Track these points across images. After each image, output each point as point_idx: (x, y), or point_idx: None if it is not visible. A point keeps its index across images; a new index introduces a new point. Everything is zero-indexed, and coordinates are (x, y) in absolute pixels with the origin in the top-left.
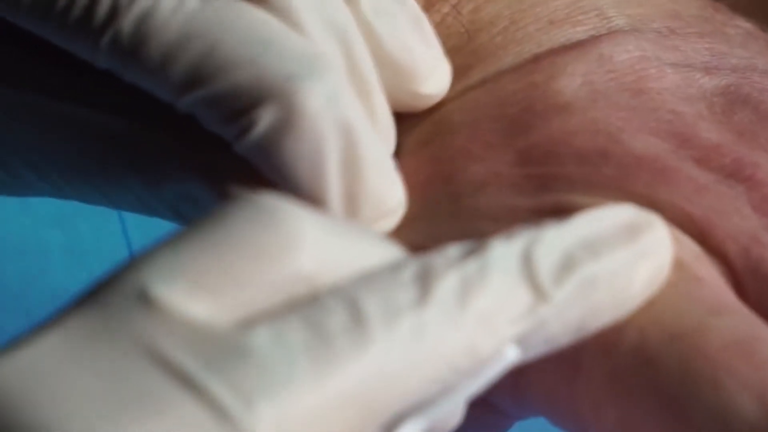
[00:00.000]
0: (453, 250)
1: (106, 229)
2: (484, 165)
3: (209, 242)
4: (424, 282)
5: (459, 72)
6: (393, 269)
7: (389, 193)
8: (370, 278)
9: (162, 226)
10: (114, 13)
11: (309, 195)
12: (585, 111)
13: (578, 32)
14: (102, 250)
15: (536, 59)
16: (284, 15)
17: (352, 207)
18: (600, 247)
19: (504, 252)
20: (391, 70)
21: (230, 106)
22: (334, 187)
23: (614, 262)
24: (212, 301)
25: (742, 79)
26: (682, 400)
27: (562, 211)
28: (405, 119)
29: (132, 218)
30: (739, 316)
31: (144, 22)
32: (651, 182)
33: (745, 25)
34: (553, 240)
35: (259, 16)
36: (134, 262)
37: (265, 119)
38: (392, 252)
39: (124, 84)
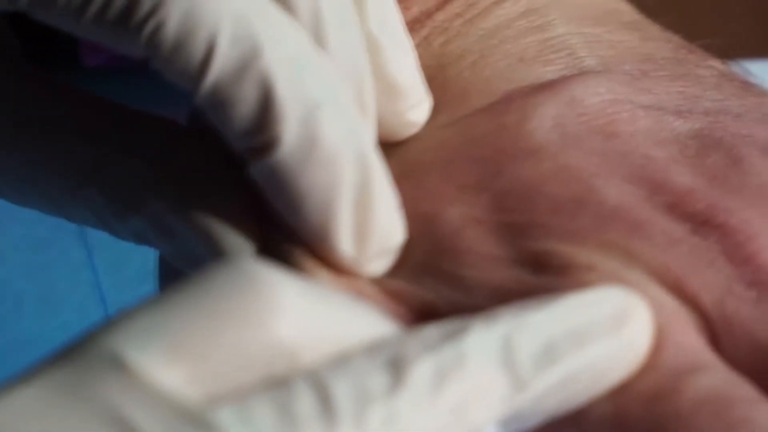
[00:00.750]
0: (430, 332)
1: (78, 279)
2: (460, 208)
3: (187, 308)
4: (398, 368)
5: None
6: (368, 352)
7: (394, 231)
8: (343, 361)
9: (134, 278)
10: (159, 3)
11: (318, 226)
12: (557, 155)
13: (549, 71)
14: (74, 300)
15: (507, 99)
16: (313, 29)
17: (360, 242)
18: (584, 337)
19: (483, 337)
20: (387, 89)
21: (256, 116)
22: (344, 220)
23: (598, 355)
24: (187, 369)
25: (715, 123)
26: None
27: (541, 262)
28: None
29: (105, 269)
30: (713, 374)
31: (191, 14)
32: (626, 234)
33: (719, 66)
34: (536, 326)
35: (294, 29)
36: (110, 325)
37: (286, 142)
38: (379, 325)
39: (104, 105)
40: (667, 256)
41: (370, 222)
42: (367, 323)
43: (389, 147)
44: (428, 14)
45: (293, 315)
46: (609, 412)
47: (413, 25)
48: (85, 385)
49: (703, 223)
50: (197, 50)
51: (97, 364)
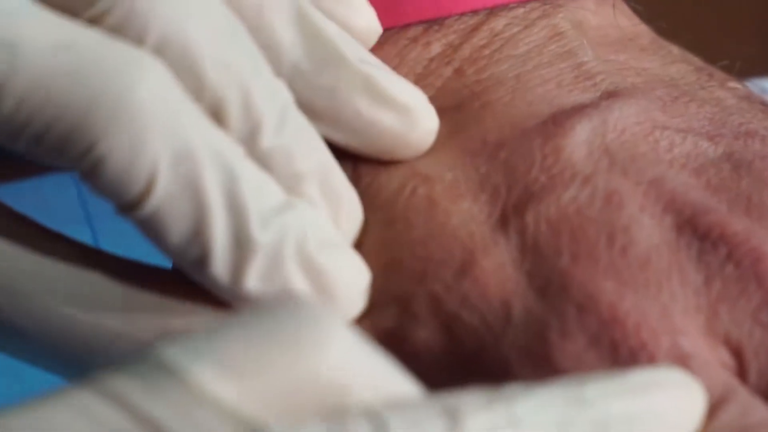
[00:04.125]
0: (481, 392)
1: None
2: (494, 254)
3: (242, 331)
4: (455, 417)
5: (457, 130)
6: (422, 399)
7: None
8: (399, 403)
9: None
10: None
11: None
12: (596, 182)
13: (586, 97)
14: None
15: (544, 124)
16: (247, 137)
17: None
18: (639, 420)
19: (539, 404)
20: (395, 108)
21: (191, 232)
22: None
23: None
24: (238, 386)
25: (745, 147)
26: None
27: (576, 300)
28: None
29: None
30: (732, 406)
31: (132, 150)
32: (662, 274)
33: (739, 88)
34: (593, 402)
35: (229, 144)
36: (165, 342)
37: (218, 254)
38: (409, 385)
39: None
40: (699, 296)
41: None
42: (405, 382)
43: (421, 173)
44: (454, 48)
45: (344, 352)
46: None
47: (441, 59)
48: (139, 392)
49: (737, 246)
50: (137, 183)
51: (151, 372)
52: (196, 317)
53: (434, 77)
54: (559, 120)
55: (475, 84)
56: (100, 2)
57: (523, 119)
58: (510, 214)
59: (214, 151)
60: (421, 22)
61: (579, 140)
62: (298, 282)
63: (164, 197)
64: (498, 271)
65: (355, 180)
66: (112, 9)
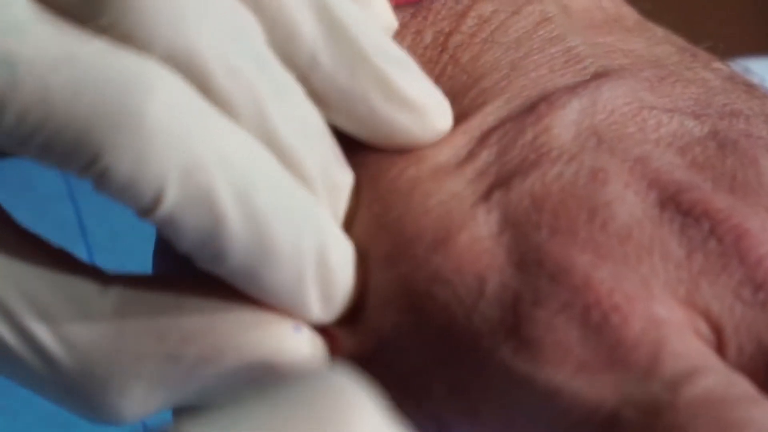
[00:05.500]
0: None
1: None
2: (473, 228)
3: (265, 406)
4: None
5: (458, 117)
6: None
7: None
8: None
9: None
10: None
11: (287, 305)
12: (582, 160)
13: (578, 80)
14: None
15: (536, 105)
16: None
17: (326, 302)
18: None
19: None
20: (406, 107)
21: (207, 236)
22: (312, 296)
23: None
24: None
25: (730, 126)
26: None
27: (553, 274)
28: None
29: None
30: (711, 376)
31: (139, 158)
32: (644, 248)
33: (723, 68)
34: None
35: (242, 143)
36: (187, 420)
37: (235, 256)
38: None
39: None
40: (681, 270)
41: (333, 289)
42: None
43: (415, 155)
44: (445, 35)
45: (372, 429)
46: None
47: (435, 48)
48: None
49: (720, 222)
50: (146, 194)
51: None
52: (203, 317)
53: (432, 65)
54: (551, 101)
55: (471, 71)
56: (107, 14)
57: (518, 104)
58: (494, 190)
59: (228, 161)
60: (407, 4)
61: (568, 120)
62: (311, 287)
63: (175, 207)
64: (474, 245)
65: (353, 156)
66: (119, 20)
